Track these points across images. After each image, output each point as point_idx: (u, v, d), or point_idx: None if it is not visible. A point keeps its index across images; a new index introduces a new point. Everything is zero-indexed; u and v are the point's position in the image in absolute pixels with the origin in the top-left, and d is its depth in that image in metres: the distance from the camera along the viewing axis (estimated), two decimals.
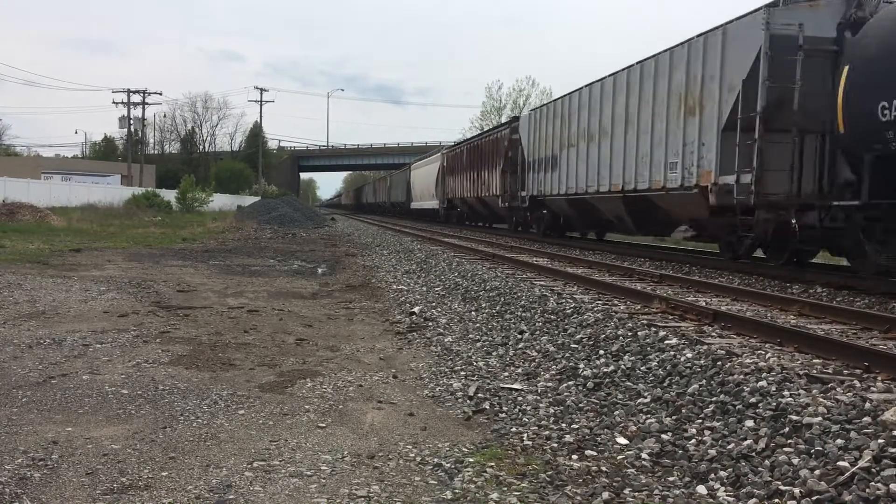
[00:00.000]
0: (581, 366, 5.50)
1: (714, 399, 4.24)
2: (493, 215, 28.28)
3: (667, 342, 5.36)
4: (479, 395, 5.08)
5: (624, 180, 14.47)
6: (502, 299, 8.52)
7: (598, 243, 18.59)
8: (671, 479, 3.55)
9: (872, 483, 2.93)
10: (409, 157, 75.16)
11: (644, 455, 3.82)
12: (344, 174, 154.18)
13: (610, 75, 15.55)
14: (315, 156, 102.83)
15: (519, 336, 6.84)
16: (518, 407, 4.78)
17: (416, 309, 8.78)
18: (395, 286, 11.11)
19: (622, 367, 5.23)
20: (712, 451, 3.67)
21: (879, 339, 5.42)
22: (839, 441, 3.30)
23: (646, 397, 4.62)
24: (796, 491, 3.06)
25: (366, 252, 17.99)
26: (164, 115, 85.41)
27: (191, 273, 12.41)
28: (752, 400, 4.00)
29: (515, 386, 5.28)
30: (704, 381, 4.51)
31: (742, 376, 4.32)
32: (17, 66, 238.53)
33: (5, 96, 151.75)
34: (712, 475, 3.48)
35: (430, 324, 7.92)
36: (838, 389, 3.89)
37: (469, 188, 29.13)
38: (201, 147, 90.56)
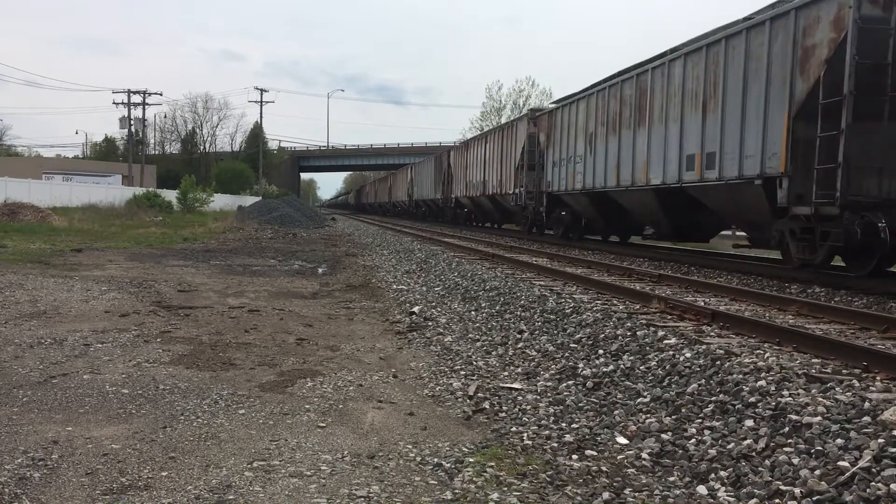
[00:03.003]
0: (580, 365, 5.50)
1: (713, 399, 4.24)
2: None
3: (666, 342, 5.36)
4: (479, 394, 5.08)
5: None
6: (502, 299, 8.52)
7: (599, 243, 18.58)
8: (671, 478, 3.55)
9: (873, 483, 2.92)
10: (409, 157, 75.19)
11: (644, 455, 3.82)
12: (344, 174, 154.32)
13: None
14: (315, 156, 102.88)
15: (518, 336, 6.84)
16: (518, 406, 4.78)
17: (415, 309, 8.78)
18: (395, 286, 11.11)
19: (621, 366, 5.23)
20: (712, 451, 3.67)
21: (878, 339, 5.42)
22: (839, 441, 3.30)
23: (645, 397, 4.62)
24: (797, 491, 3.06)
25: (366, 252, 18.00)
26: (165, 116, 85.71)
27: (192, 273, 12.41)
28: (752, 399, 4.00)
29: (515, 385, 5.28)
30: (704, 380, 4.51)
31: (741, 376, 4.32)
32: (17, 67, 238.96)
33: (6, 96, 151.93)
34: (712, 475, 3.48)
35: (430, 323, 7.92)
36: (837, 389, 3.89)
37: None
38: (202, 147, 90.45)
